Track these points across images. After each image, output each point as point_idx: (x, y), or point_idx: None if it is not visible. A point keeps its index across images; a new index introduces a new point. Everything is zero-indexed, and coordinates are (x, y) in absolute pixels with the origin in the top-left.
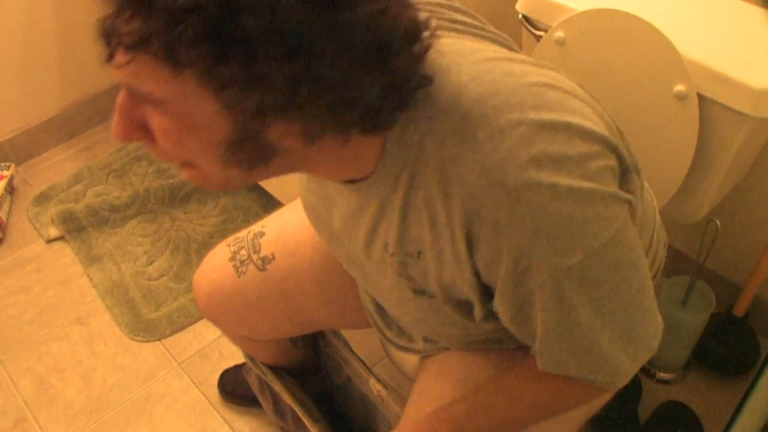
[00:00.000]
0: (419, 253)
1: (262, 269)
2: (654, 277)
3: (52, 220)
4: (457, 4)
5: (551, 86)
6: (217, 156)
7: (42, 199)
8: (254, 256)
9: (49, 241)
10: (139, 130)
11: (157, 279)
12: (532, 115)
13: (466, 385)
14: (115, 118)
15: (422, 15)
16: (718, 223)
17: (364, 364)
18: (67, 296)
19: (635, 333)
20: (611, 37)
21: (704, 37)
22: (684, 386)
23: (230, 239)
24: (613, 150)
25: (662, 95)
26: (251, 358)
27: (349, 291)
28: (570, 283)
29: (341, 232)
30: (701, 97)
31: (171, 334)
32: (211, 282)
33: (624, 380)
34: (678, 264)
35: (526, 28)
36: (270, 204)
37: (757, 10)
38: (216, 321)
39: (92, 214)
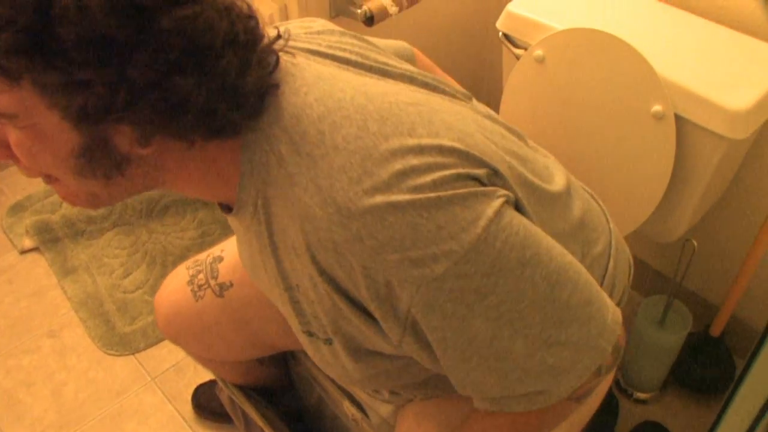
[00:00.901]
0: (297, 287)
1: (220, 295)
2: (618, 304)
3: (27, 231)
4: (370, 41)
5: (412, 104)
6: (70, 167)
7: (17, 209)
8: (212, 282)
9: (23, 252)
10: (3, 148)
11: (133, 292)
12: (373, 128)
13: (449, 426)
14: None
15: (269, 30)
16: (695, 244)
17: (337, 384)
18: (40, 308)
19: (566, 334)
20: (590, 56)
21: (682, 58)
22: (661, 406)
23: (190, 261)
24: (474, 160)
25: (640, 115)
26: (221, 379)
27: None
28: (446, 295)
29: (249, 271)
30: (678, 118)
31: (145, 348)
32: (170, 305)
33: (563, 389)
34: (655, 283)
35: (506, 46)
36: None
37: (734, 33)
38: (177, 342)
39: (68, 225)
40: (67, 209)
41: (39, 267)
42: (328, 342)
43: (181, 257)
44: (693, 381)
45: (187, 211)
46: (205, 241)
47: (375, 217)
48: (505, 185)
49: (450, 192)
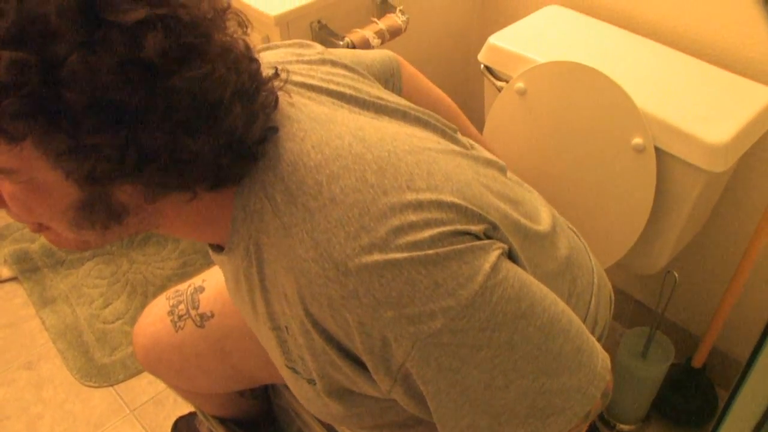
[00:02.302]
0: (287, 329)
1: (200, 326)
2: (599, 340)
3: (5, 260)
4: (361, 72)
5: (410, 153)
6: (67, 220)
7: None
8: (193, 312)
9: (1, 281)
10: None
11: (113, 322)
12: (372, 180)
13: None
14: None
15: (267, 71)
16: (677, 275)
17: (319, 420)
18: (17, 339)
19: (558, 382)
20: (571, 89)
21: (662, 91)
22: None
23: (170, 291)
24: (473, 216)
25: (620, 147)
26: (201, 411)
27: None
28: (441, 350)
29: (236, 304)
30: (658, 150)
31: (124, 380)
32: (149, 335)
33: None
34: (637, 314)
35: (488, 78)
36: None
37: (712, 68)
38: (155, 373)
39: (48, 255)
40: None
41: (17, 297)
42: (312, 382)
43: (162, 287)
44: (675, 413)
45: (168, 241)
46: (186, 272)
47: (372, 275)
48: (501, 237)
49: (448, 248)
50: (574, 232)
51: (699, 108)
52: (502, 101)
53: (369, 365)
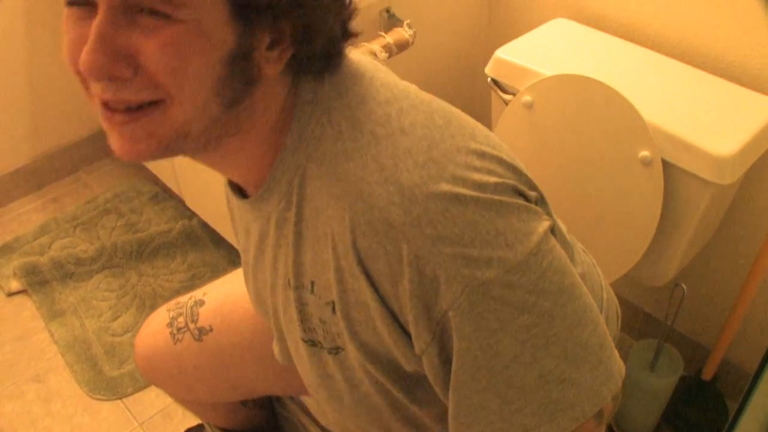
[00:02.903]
0: (312, 285)
1: (199, 339)
2: None
3: (15, 273)
4: None
5: (462, 114)
6: (215, 75)
7: (5, 250)
8: (191, 326)
9: (10, 294)
10: (121, 60)
11: (122, 335)
12: (439, 122)
13: None
14: (89, 49)
15: None
16: (685, 288)
17: (322, 427)
18: (25, 352)
19: (577, 373)
20: (578, 102)
21: (669, 104)
22: None
23: (171, 303)
24: (527, 182)
25: (628, 160)
26: (207, 422)
27: (290, 368)
28: (488, 303)
29: (255, 279)
30: (666, 163)
31: (133, 393)
32: (148, 346)
33: (555, 429)
34: (646, 326)
35: (495, 91)
36: (238, 261)
37: (719, 80)
38: (156, 384)
39: (57, 268)
40: (55, 251)
41: (26, 310)
42: (334, 351)
43: (171, 299)
44: (685, 425)
45: (177, 253)
46: (194, 284)
47: (438, 206)
48: (548, 212)
49: (509, 200)
50: (583, 249)
51: (706, 120)
52: (509, 114)
53: (410, 314)
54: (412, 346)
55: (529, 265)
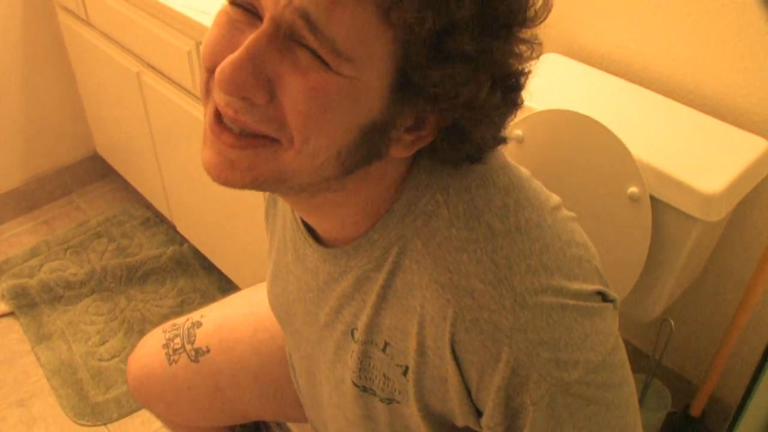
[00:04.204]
0: (386, 345)
1: (195, 360)
2: None
3: (3, 295)
4: None
5: (567, 214)
6: (347, 139)
7: None
8: (188, 347)
9: None
10: (260, 85)
11: (108, 360)
12: (549, 220)
13: None
14: (234, 63)
15: None
16: (672, 323)
17: None
18: (10, 376)
19: None
20: (568, 137)
21: (658, 141)
22: None
23: (167, 325)
24: (602, 278)
25: (616, 196)
26: None
27: (286, 388)
28: (565, 399)
29: (299, 311)
30: (654, 199)
31: (118, 419)
32: (142, 367)
33: None
34: (634, 361)
35: None
36: (228, 288)
37: (707, 118)
38: (146, 406)
39: (46, 290)
40: (45, 274)
41: (13, 332)
42: (387, 401)
43: (157, 326)
44: None
45: (166, 279)
46: (183, 310)
47: (543, 314)
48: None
49: (596, 304)
50: None
51: (694, 158)
52: (501, 148)
53: (490, 401)
54: (478, 417)
55: (606, 364)
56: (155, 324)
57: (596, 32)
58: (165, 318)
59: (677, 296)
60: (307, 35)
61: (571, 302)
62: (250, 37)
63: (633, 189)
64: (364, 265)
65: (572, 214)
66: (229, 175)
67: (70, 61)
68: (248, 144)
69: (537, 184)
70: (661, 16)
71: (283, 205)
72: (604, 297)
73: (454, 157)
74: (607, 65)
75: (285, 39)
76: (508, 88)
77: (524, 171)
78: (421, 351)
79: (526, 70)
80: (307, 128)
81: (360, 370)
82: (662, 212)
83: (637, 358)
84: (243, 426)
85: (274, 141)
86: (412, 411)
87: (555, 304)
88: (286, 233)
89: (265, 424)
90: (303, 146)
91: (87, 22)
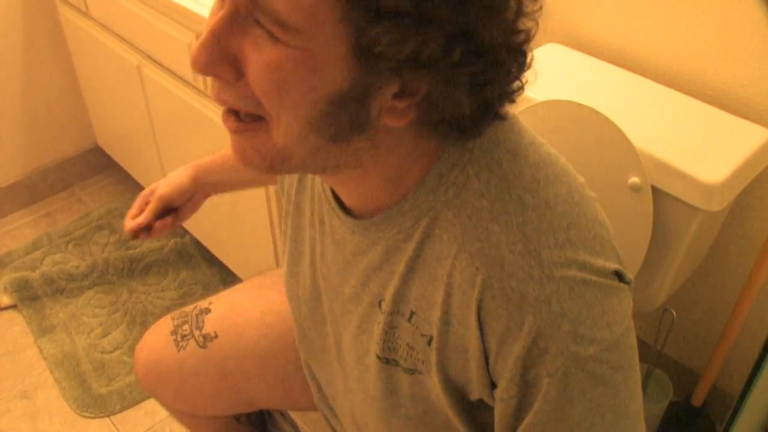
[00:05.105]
0: (411, 315)
1: (203, 346)
2: None
3: (5, 288)
4: None
5: (585, 187)
6: (314, 112)
7: None
8: (196, 333)
9: (0, 309)
10: (227, 62)
11: (111, 352)
12: (576, 198)
13: None
14: (200, 44)
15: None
16: (674, 313)
17: None
18: (14, 368)
19: None
20: (569, 128)
21: (659, 131)
22: None
23: (176, 313)
24: (619, 259)
25: (617, 186)
26: None
27: (293, 373)
28: (578, 375)
29: (322, 287)
30: (655, 189)
31: (121, 411)
32: (150, 354)
33: None
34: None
35: None
36: (230, 279)
37: (709, 107)
38: (154, 393)
39: (48, 283)
40: (47, 267)
41: (16, 325)
42: (410, 372)
43: (161, 317)
44: None
45: (168, 271)
46: (185, 302)
47: (567, 287)
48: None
49: (615, 283)
50: None
51: (695, 147)
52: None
53: (507, 371)
54: (493, 388)
55: (619, 344)
56: (157, 316)
57: (597, 22)
58: (167, 310)
59: (679, 286)
60: (255, 12)
61: (593, 278)
62: (213, 20)
63: (634, 179)
64: (394, 236)
65: (594, 194)
66: (247, 158)
67: (70, 53)
68: (246, 127)
69: (564, 161)
70: (661, 5)
71: (312, 183)
72: (620, 278)
73: (444, 127)
74: (608, 55)
75: (246, 19)
76: (471, 49)
77: (552, 149)
78: (446, 320)
79: (492, 29)
80: (271, 102)
81: (384, 341)
82: (664, 202)
83: (639, 347)
84: (248, 415)
85: (263, 121)
86: (433, 381)
87: (579, 279)
88: (314, 207)
89: (269, 413)
90: (278, 120)
91: (87, 15)
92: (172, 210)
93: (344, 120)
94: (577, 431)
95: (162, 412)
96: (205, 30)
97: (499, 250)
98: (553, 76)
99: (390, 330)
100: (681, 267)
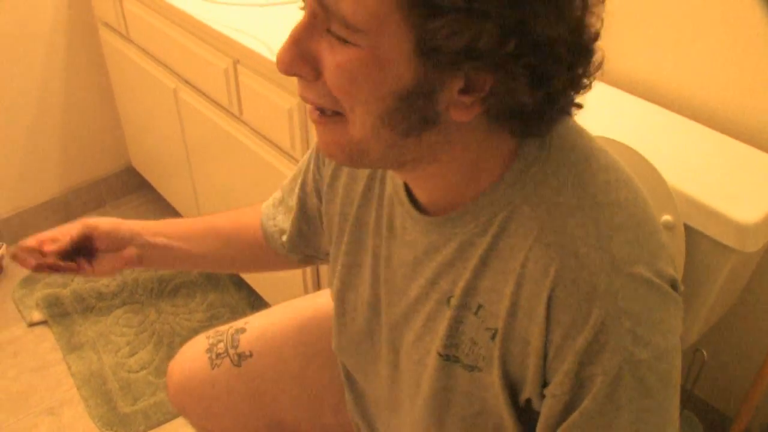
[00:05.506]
0: (479, 308)
1: (237, 365)
2: None
3: (37, 304)
4: None
5: (646, 195)
6: (383, 108)
7: (29, 281)
8: (231, 351)
9: (32, 324)
10: (306, 63)
11: (138, 372)
12: (641, 204)
13: None
14: (283, 46)
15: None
16: (705, 354)
17: None
18: (42, 383)
19: None
20: None
21: (693, 169)
22: None
23: (211, 332)
24: (675, 268)
25: None
26: None
27: (326, 392)
28: (630, 381)
29: (382, 293)
30: (688, 228)
31: (145, 431)
32: (183, 371)
33: None
34: None
35: None
36: (258, 304)
37: (744, 146)
38: (183, 411)
39: (78, 301)
40: (78, 284)
41: (46, 341)
42: (470, 368)
43: (188, 339)
44: None
45: (197, 293)
46: (212, 324)
47: (634, 284)
48: None
49: (674, 294)
50: None
51: (730, 186)
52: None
53: (565, 365)
54: (544, 385)
55: (669, 356)
56: (184, 337)
57: (631, 58)
58: (194, 332)
59: (710, 326)
60: (328, 17)
61: (656, 281)
62: (294, 27)
63: (667, 217)
64: (470, 231)
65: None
66: (329, 150)
67: (109, 75)
68: (327, 120)
69: (629, 170)
70: (696, 42)
71: (379, 192)
72: (674, 287)
73: (514, 123)
74: (642, 91)
75: (322, 24)
76: (526, 41)
77: (617, 157)
78: (513, 311)
79: (547, 23)
80: (344, 98)
81: (448, 337)
82: (697, 241)
83: None
84: None
85: (342, 116)
86: (492, 379)
87: (645, 279)
88: (382, 213)
89: None
90: (352, 116)
91: (127, 38)
92: (89, 251)
93: (414, 115)
94: None
95: None
96: (289, 35)
97: (574, 243)
98: (587, 113)
99: (455, 325)
100: (713, 307)
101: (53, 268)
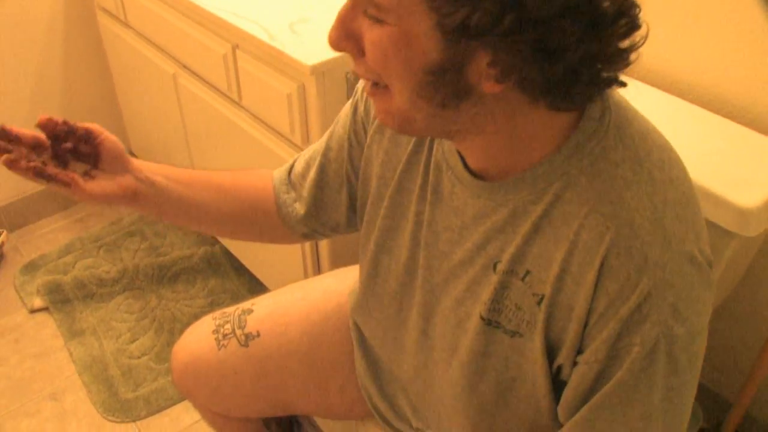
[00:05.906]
0: (526, 274)
1: (245, 345)
2: None
3: (38, 290)
4: None
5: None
6: (416, 81)
7: (30, 267)
8: (238, 332)
9: (33, 311)
10: (351, 41)
11: (139, 358)
12: (688, 182)
13: None
14: (333, 25)
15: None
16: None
17: None
18: (44, 370)
19: None
20: None
21: (695, 154)
22: None
23: (217, 313)
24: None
25: None
26: None
27: (332, 373)
28: (663, 357)
29: (421, 258)
30: None
31: (146, 417)
32: (190, 353)
33: None
34: None
35: None
36: (259, 289)
37: (746, 130)
38: (188, 393)
39: (79, 287)
40: (79, 271)
41: (47, 327)
42: (511, 334)
43: (189, 325)
44: None
45: (197, 279)
46: (213, 310)
47: (681, 259)
48: None
49: (712, 276)
50: None
51: (731, 171)
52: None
53: (605, 332)
54: (579, 353)
55: (700, 337)
56: (185, 323)
57: None
58: (195, 318)
59: (712, 311)
60: (364, 0)
61: (700, 259)
62: (340, 8)
63: None
64: (523, 198)
65: None
66: (382, 119)
67: (108, 61)
68: (376, 91)
69: (676, 151)
70: (699, 27)
71: (426, 158)
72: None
73: (548, 94)
74: (645, 76)
75: (362, 5)
76: (523, 17)
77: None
78: (561, 277)
79: None
80: (383, 74)
81: (492, 301)
82: None
83: None
84: (278, 423)
85: (387, 88)
86: (533, 345)
87: (690, 256)
88: (428, 178)
89: (298, 423)
90: (393, 88)
91: (125, 24)
92: (89, 158)
93: (446, 88)
94: (639, 423)
95: (187, 420)
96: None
97: (630, 213)
98: None
99: (501, 290)
100: (715, 292)
101: (41, 174)
